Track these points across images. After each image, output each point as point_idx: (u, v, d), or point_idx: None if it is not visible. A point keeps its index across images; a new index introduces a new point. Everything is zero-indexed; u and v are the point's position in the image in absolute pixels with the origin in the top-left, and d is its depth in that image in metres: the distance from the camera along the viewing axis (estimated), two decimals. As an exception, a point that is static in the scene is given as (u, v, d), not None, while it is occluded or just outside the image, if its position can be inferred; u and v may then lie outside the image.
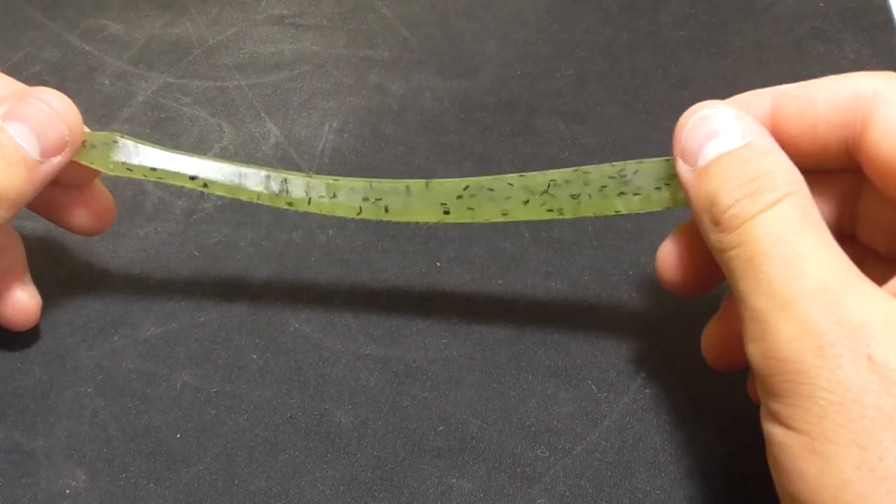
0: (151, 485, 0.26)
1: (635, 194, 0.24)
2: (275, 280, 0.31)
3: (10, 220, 0.25)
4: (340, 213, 0.26)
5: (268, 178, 0.27)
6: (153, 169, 0.27)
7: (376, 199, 0.26)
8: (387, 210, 0.26)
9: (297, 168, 0.34)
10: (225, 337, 0.29)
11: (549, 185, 0.25)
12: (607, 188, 0.24)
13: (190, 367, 0.28)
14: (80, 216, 0.28)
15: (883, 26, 0.39)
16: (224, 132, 0.36)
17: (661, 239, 0.31)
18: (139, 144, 0.26)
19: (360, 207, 0.26)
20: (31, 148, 0.25)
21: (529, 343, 0.29)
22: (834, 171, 0.23)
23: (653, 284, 0.30)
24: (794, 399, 0.18)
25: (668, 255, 0.25)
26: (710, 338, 0.26)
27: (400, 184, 0.26)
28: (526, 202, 0.25)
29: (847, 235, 0.24)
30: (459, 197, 0.26)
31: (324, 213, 0.27)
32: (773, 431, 0.19)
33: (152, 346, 0.29)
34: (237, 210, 0.33)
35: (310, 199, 0.26)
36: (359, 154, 0.35)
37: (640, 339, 0.29)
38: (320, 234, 0.32)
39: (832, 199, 0.24)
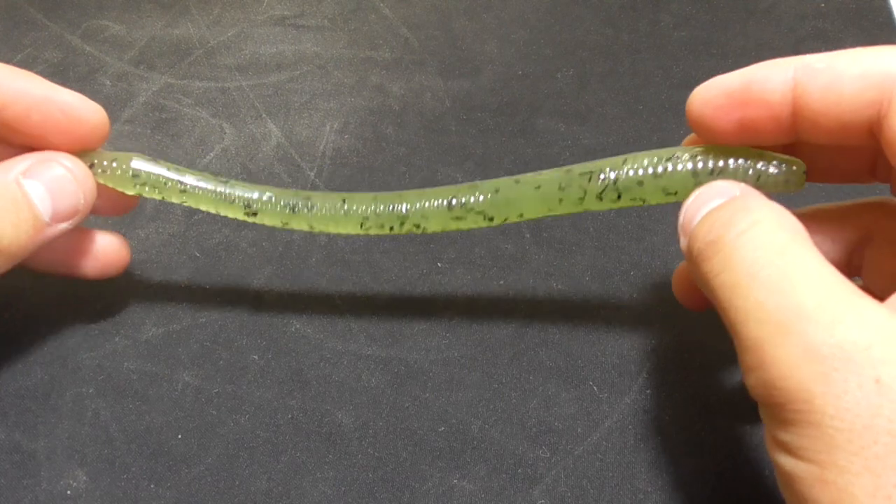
0: (153, 485, 0.26)
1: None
2: (276, 281, 0.31)
3: (3, 273, 0.25)
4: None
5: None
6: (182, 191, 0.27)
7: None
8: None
9: (297, 168, 0.34)
10: (226, 338, 0.29)
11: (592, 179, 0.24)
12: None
13: (191, 367, 0.28)
14: (87, 265, 0.28)
15: (883, 26, 0.39)
16: (225, 133, 0.36)
17: (662, 239, 0.31)
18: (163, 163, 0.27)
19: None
20: (44, 209, 0.25)
21: (531, 344, 0.29)
22: (855, 176, 0.22)
23: (654, 285, 0.30)
24: (802, 428, 0.17)
25: (680, 279, 0.26)
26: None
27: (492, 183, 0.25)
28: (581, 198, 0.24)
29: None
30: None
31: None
32: (783, 462, 0.18)
33: (153, 346, 0.29)
34: (238, 211, 0.33)
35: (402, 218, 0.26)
36: (360, 155, 0.35)
37: (641, 340, 0.29)
38: (321, 234, 0.32)
39: (842, 242, 0.23)
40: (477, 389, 0.28)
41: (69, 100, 0.26)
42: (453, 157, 0.35)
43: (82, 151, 0.26)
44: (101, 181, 0.27)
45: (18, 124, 0.25)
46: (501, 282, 0.31)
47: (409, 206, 0.26)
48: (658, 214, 0.32)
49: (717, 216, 0.20)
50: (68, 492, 0.26)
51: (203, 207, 0.27)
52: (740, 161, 0.23)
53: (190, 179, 0.26)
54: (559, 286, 0.30)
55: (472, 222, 0.25)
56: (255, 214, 0.26)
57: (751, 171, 0.23)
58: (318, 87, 0.38)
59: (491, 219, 0.25)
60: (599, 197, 0.24)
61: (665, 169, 0.23)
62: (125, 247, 0.29)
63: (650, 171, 0.23)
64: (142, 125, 0.36)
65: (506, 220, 0.25)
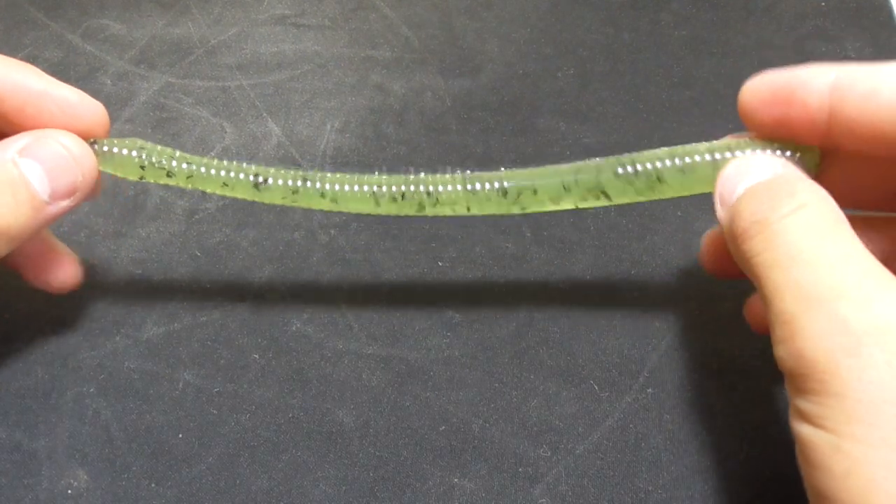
0: (153, 485, 0.26)
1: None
2: (277, 280, 0.31)
3: (5, 254, 0.25)
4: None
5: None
6: (189, 177, 0.26)
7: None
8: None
9: (298, 167, 0.34)
10: (227, 337, 0.29)
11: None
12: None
13: (192, 366, 0.28)
14: (42, 275, 0.28)
15: (884, 25, 0.39)
16: (226, 132, 0.36)
17: (663, 238, 0.31)
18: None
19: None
20: (42, 188, 0.25)
21: (531, 343, 0.29)
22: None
23: (655, 284, 0.30)
24: (824, 398, 0.18)
25: (711, 246, 0.26)
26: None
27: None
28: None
29: None
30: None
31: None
32: (802, 430, 0.18)
33: (154, 345, 0.29)
34: (239, 210, 0.33)
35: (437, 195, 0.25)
36: (360, 154, 0.35)
37: (641, 339, 0.29)
38: (322, 233, 0.32)
39: (884, 241, 0.23)
40: (478, 388, 0.28)
41: (67, 95, 0.25)
42: (454, 157, 0.35)
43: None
44: (105, 168, 0.26)
45: (14, 117, 0.25)
46: (502, 281, 0.31)
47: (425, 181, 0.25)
48: (659, 214, 0.32)
49: (761, 195, 0.21)
50: (69, 491, 0.26)
51: (210, 189, 0.26)
52: (757, 149, 0.23)
53: (196, 160, 0.26)
54: (560, 285, 0.30)
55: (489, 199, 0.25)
56: (265, 182, 0.26)
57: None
58: (319, 86, 0.38)
59: (505, 193, 0.25)
60: (616, 175, 0.24)
61: (683, 160, 0.24)
62: (75, 264, 0.28)
63: (669, 162, 0.24)
64: (142, 124, 0.36)
65: (520, 196, 0.25)
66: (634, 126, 0.36)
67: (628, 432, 0.27)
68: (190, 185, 0.26)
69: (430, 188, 0.25)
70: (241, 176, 0.26)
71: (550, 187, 0.25)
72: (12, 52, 0.39)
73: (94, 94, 0.37)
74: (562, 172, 0.25)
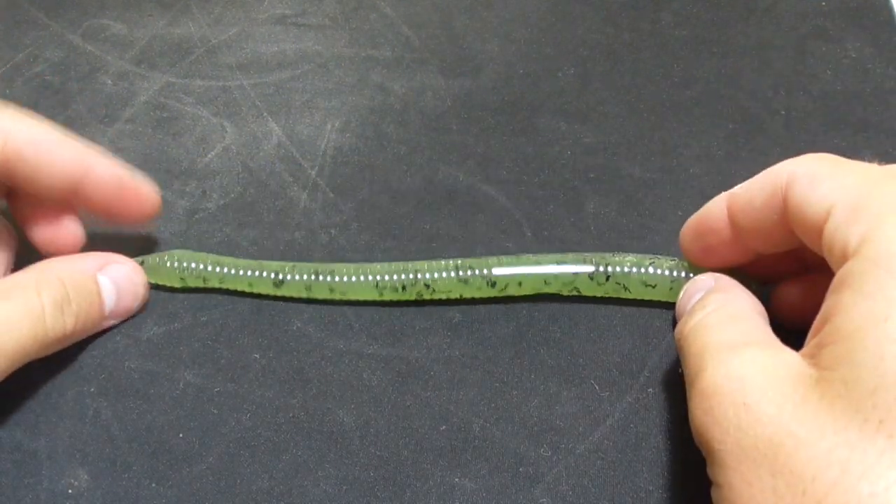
0: (154, 484, 0.26)
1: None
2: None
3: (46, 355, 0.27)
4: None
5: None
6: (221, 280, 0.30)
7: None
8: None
9: (298, 167, 0.34)
10: (227, 336, 0.29)
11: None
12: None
13: (192, 366, 0.28)
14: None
15: (885, 25, 0.39)
16: (226, 132, 0.36)
17: (663, 238, 0.31)
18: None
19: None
20: (109, 305, 0.28)
21: (532, 342, 0.29)
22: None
23: (655, 284, 0.30)
24: (711, 459, 0.21)
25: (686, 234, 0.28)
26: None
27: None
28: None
29: None
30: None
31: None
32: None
33: (155, 345, 0.29)
34: (239, 210, 0.33)
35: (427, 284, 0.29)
36: (361, 153, 0.35)
37: (642, 339, 0.29)
38: (322, 233, 0.32)
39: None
40: (478, 388, 0.28)
41: (142, 187, 0.29)
42: (454, 156, 0.35)
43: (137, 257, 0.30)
44: (150, 279, 0.30)
45: (95, 198, 0.28)
46: (503, 280, 0.30)
47: (419, 271, 0.29)
48: (659, 213, 0.32)
49: (684, 308, 0.26)
50: (69, 491, 0.26)
51: (239, 288, 0.30)
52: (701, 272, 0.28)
53: (226, 268, 0.30)
54: (560, 285, 0.30)
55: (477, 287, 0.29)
56: (281, 283, 0.29)
57: None
58: (320, 85, 0.38)
59: (493, 284, 0.29)
60: (590, 278, 0.29)
61: (648, 273, 0.29)
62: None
63: (636, 269, 0.29)
64: (143, 124, 0.36)
65: (506, 287, 0.29)
66: (634, 126, 0.36)
67: (629, 432, 0.27)
68: (223, 286, 0.30)
69: (427, 276, 0.29)
70: (264, 274, 0.29)
71: (533, 281, 0.29)
72: (13, 51, 0.39)
73: (95, 93, 0.37)
74: (545, 266, 0.29)
